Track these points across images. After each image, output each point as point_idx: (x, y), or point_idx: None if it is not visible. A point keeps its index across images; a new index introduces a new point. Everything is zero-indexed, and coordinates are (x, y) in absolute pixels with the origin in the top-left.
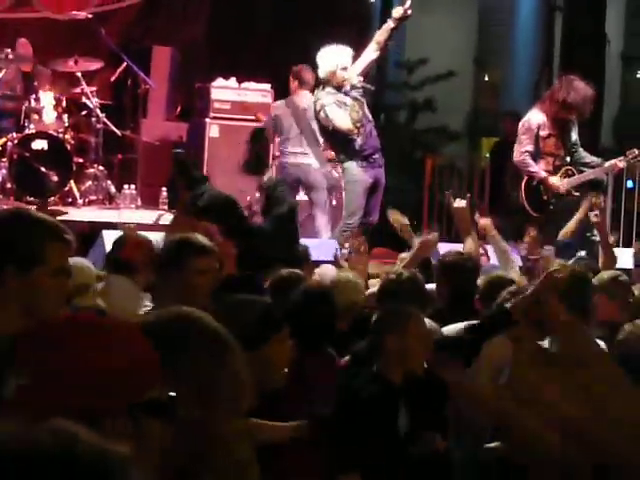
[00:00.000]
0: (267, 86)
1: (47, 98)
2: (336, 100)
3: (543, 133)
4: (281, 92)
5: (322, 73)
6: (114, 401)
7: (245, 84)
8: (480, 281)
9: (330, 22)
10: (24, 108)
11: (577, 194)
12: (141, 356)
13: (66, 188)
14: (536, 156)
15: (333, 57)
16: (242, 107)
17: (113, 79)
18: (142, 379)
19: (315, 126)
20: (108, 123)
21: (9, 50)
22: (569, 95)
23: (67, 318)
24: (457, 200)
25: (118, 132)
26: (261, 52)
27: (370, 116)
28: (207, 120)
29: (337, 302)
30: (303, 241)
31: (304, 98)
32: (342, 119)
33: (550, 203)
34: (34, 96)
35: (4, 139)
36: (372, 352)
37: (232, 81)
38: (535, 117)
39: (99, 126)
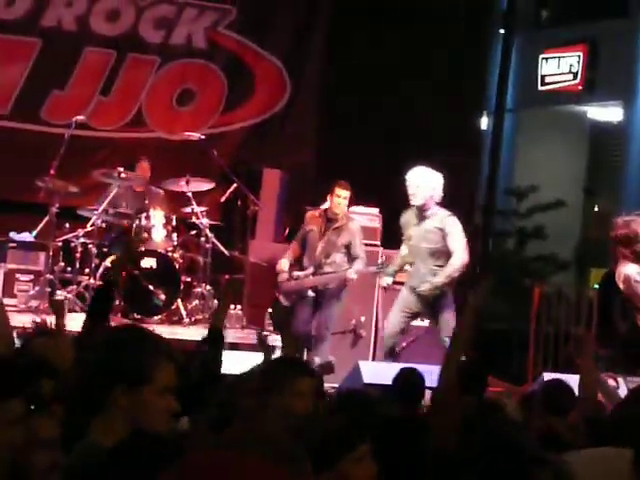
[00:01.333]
0: (375, 210)
1: (157, 217)
2: None
3: None
4: (389, 217)
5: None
6: None
7: (353, 208)
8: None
9: (437, 146)
10: (134, 226)
11: None
12: None
13: (173, 307)
14: None
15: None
16: None
17: (223, 200)
18: None
19: None
20: (217, 243)
21: (121, 169)
22: (628, 230)
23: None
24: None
25: (226, 252)
26: (369, 176)
27: None
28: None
29: None
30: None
31: None
32: None
33: None
34: (145, 214)
35: (114, 256)
36: None
37: None
38: (630, 269)
39: (208, 246)
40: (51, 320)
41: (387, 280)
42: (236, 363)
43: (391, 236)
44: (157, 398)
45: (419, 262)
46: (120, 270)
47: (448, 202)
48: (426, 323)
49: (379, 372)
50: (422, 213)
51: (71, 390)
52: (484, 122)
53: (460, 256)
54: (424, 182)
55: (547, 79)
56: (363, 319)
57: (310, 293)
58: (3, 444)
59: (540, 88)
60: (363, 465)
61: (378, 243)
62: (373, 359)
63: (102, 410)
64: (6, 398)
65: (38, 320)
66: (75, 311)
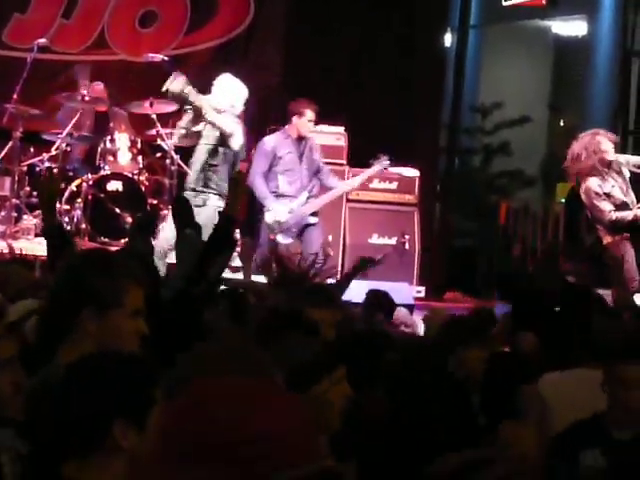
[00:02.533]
0: (341, 129)
1: (122, 140)
2: None
3: (606, 191)
4: (355, 135)
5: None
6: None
7: (319, 127)
8: None
9: (401, 64)
10: (99, 149)
11: None
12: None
13: None
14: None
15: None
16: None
17: None
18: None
19: None
20: (182, 165)
21: (85, 92)
22: (580, 152)
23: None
24: None
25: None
26: (334, 94)
27: None
28: None
29: None
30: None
31: None
32: None
33: None
34: (109, 137)
35: (79, 180)
36: None
37: None
38: (591, 182)
39: (173, 168)
40: (18, 245)
41: None
42: None
43: (356, 154)
44: (126, 321)
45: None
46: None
47: (413, 120)
48: (393, 241)
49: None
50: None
51: (40, 313)
52: (448, 39)
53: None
54: (231, 89)
55: None
56: (330, 238)
57: (312, 220)
58: None
59: (504, 3)
60: (339, 388)
61: (344, 162)
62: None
63: (70, 334)
64: None
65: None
66: (41, 235)
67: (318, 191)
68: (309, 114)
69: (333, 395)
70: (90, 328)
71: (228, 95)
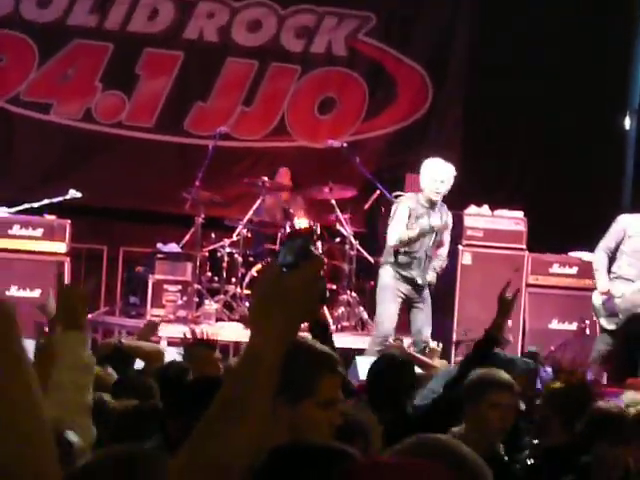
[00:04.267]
0: (520, 214)
1: (302, 225)
2: None
3: None
4: (533, 220)
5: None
6: None
7: (498, 212)
8: None
9: (583, 148)
10: (279, 235)
11: None
12: None
13: (319, 314)
14: None
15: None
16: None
17: (366, 207)
18: None
19: None
20: (361, 250)
21: (266, 178)
22: None
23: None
24: None
25: (371, 259)
26: (512, 179)
27: None
28: (460, 247)
29: None
30: None
31: None
32: None
33: None
34: (289, 223)
35: (260, 265)
36: None
37: (485, 208)
38: None
39: (352, 253)
40: (201, 329)
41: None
42: None
43: (535, 239)
44: (319, 411)
45: (422, 252)
46: None
47: (593, 204)
48: (574, 326)
49: None
50: (433, 206)
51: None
52: (627, 122)
53: (448, 248)
54: (452, 177)
55: None
56: (510, 323)
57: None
58: None
59: None
60: None
61: (524, 247)
62: None
63: None
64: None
65: (195, 330)
66: (223, 320)
67: None
68: None
69: None
70: (282, 416)
71: (431, 180)
